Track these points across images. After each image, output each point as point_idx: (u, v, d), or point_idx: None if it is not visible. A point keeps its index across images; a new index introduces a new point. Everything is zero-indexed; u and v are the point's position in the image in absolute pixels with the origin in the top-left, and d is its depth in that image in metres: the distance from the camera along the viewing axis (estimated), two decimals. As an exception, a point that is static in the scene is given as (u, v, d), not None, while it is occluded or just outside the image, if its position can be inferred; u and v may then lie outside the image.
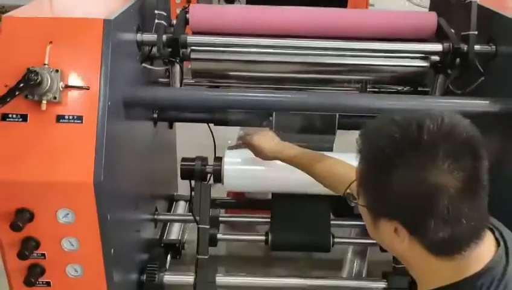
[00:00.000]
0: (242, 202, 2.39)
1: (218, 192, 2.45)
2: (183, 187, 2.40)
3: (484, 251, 0.85)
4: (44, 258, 1.29)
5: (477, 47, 1.51)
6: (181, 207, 2.32)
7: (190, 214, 2.04)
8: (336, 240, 1.82)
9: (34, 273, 1.29)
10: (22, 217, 1.20)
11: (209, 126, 1.89)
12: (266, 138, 1.57)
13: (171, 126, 2.16)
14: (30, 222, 1.22)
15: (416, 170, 0.78)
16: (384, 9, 2.75)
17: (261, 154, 1.57)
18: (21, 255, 1.24)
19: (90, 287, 1.35)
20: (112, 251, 1.31)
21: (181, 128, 2.46)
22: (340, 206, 2.06)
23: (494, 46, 1.51)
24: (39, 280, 1.31)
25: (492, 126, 1.48)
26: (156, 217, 1.94)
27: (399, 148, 0.80)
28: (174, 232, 2.15)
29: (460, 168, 0.77)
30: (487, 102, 1.43)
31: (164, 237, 2.10)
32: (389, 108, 1.41)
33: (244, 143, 1.62)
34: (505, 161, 1.44)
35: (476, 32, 1.50)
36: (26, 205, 1.22)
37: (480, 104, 1.44)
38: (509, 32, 1.44)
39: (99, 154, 1.19)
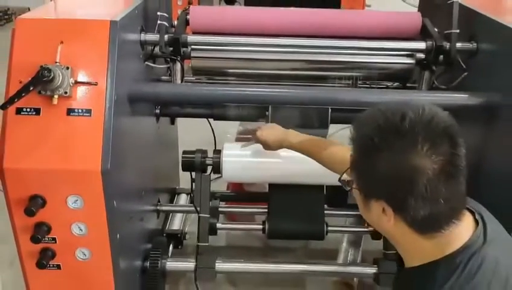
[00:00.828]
0: (241, 195, 2.49)
1: (218, 186, 2.57)
2: (185, 182, 2.50)
3: (463, 231, 0.93)
4: (55, 242, 1.39)
5: (459, 45, 1.60)
6: (182, 199, 2.42)
7: (191, 205, 2.14)
8: (330, 228, 1.91)
9: (46, 256, 1.39)
10: (35, 203, 1.30)
11: (208, 121, 1.99)
12: (269, 130, 1.64)
13: (172, 122, 2.26)
14: (42, 207, 1.32)
15: (398, 153, 0.87)
16: (376, 10, 2.85)
17: (267, 146, 1.64)
18: (34, 239, 1.33)
19: (98, 270, 1.45)
20: (118, 236, 1.40)
21: (182, 125, 2.56)
22: (334, 196, 2.17)
23: (475, 44, 1.60)
24: (50, 262, 1.41)
25: (474, 118, 1.58)
26: (158, 207, 2.04)
27: (383, 134, 0.89)
28: (176, 224, 2.25)
29: (439, 153, 0.85)
30: (467, 96, 1.53)
31: (166, 228, 2.20)
32: (376, 101, 1.49)
33: (253, 139, 1.69)
34: (485, 150, 1.54)
35: (458, 31, 1.59)
36: (38, 191, 1.31)
37: (461, 98, 1.54)
38: (489, 31, 1.54)
39: (107, 145, 1.29)
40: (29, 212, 1.29)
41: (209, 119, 1.97)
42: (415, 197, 0.86)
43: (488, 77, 1.52)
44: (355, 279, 2.20)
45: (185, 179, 2.53)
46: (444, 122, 0.89)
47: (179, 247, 2.14)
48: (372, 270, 1.83)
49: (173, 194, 2.46)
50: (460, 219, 0.92)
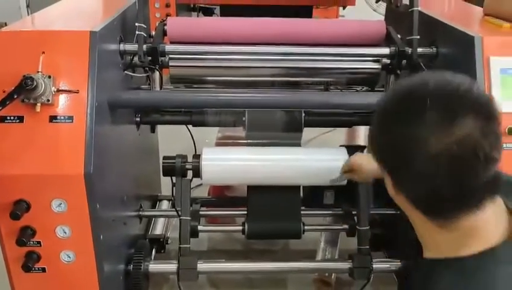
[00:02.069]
0: (221, 200, 2.55)
1: (200, 193, 2.64)
2: (167, 189, 2.56)
3: (490, 230, 0.82)
4: (40, 245, 1.44)
5: (420, 50, 1.72)
6: (164, 205, 2.47)
7: (172, 210, 2.20)
8: (307, 227, 1.99)
9: (31, 259, 1.43)
10: (19, 207, 1.35)
11: (188, 128, 2.06)
12: (366, 158, 1.62)
13: (153, 130, 2.32)
14: (27, 211, 1.37)
15: (405, 121, 0.80)
16: (346, 19, 2.98)
17: (360, 173, 1.63)
18: (20, 242, 1.38)
19: (82, 272, 1.49)
20: (102, 237, 1.46)
21: (163, 134, 2.62)
22: (310, 197, 2.26)
23: (435, 48, 1.72)
24: (35, 266, 1.45)
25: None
26: (140, 213, 2.09)
27: (396, 102, 0.84)
28: (158, 229, 2.30)
29: (449, 130, 0.75)
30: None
31: (149, 233, 2.25)
32: (345, 103, 1.60)
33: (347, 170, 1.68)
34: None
35: (418, 37, 1.71)
36: (23, 196, 1.37)
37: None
38: (447, 36, 1.66)
39: (89, 149, 1.36)
40: (15, 216, 1.33)
41: (189, 126, 2.05)
42: (410, 171, 0.80)
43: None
44: (333, 277, 2.29)
45: (166, 187, 2.60)
46: (475, 97, 0.78)
47: (162, 251, 2.19)
48: (347, 265, 1.91)
49: (155, 201, 2.51)
50: (473, 211, 0.81)
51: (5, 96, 1.29)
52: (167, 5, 4.24)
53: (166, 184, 2.60)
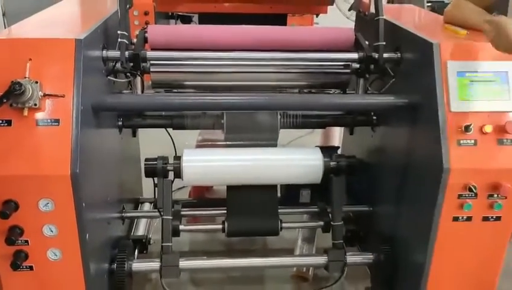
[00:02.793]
0: (202, 201, 2.64)
1: (181, 195, 2.72)
2: (147, 193, 2.63)
3: None
4: (28, 244, 1.50)
5: (386, 55, 1.84)
6: (146, 207, 2.54)
7: (154, 211, 2.28)
8: (284, 225, 2.10)
9: (19, 258, 1.49)
10: (8, 207, 1.42)
11: (168, 132, 2.15)
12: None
13: (134, 134, 2.39)
14: (15, 211, 1.43)
15: None
16: (318, 27, 3.12)
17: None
18: (9, 241, 1.44)
19: (69, 270, 1.56)
20: (87, 236, 1.53)
21: (143, 139, 2.69)
22: (288, 196, 2.37)
23: (399, 54, 1.85)
24: (23, 264, 1.51)
25: (402, 118, 1.82)
26: (123, 214, 2.15)
27: None
28: (141, 230, 2.36)
29: None
30: (393, 98, 1.77)
31: (132, 234, 2.31)
32: (318, 103, 1.72)
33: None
34: (411, 144, 1.77)
35: (384, 43, 1.83)
36: (11, 196, 1.43)
37: (388, 100, 1.79)
38: (409, 42, 1.79)
39: (75, 151, 1.43)
40: (4, 215, 1.40)
41: (169, 130, 2.13)
42: None
43: (411, 82, 1.77)
44: (310, 272, 2.39)
45: (147, 191, 2.66)
46: None
47: (144, 252, 2.26)
48: (323, 259, 2.01)
49: (137, 203, 2.57)
50: None
51: (-7, 102, 1.35)
52: (146, 13, 4.31)
53: (147, 187, 2.68)
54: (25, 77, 1.41)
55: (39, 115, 1.43)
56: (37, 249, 1.51)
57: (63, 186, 1.43)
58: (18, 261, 1.48)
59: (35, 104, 1.41)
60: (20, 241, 1.48)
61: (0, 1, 7.38)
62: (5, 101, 1.35)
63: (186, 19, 4.89)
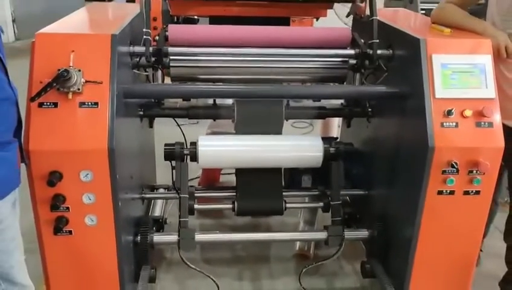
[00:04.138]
0: (211, 188, 2.87)
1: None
2: (160, 180, 2.87)
3: None
4: (68, 211, 1.72)
5: (379, 51, 2.08)
6: (161, 191, 2.76)
7: (170, 192, 2.51)
8: (288, 205, 2.33)
9: (61, 222, 1.71)
10: (54, 176, 1.64)
11: (179, 126, 2.39)
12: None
13: (151, 125, 2.62)
14: (60, 181, 1.66)
15: None
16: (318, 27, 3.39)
17: None
18: (54, 207, 1.67)
19: (103, 235, 1.78)
20: (120, 204, 1.75)
21: (157, 133, 2.92)
22: (291, 181, 2.60)
23: (391, 50, 2.09)
24: (63, 229, 1.73)
25: (393, 107, 2.06)
26: (143, 195, 2.38)
27: None
28: (157, 211, 2.59)
29: None
30: (385, 88, 2.03)
31: (149, 215, 2.54)
32: (318, 94, 1.96)
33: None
34: (401, 130, 2.01)
35: (378, 41, 2.08)
36: (57, 168, 1.65)
37: (380, 89, 2.05)
38: (400, 40, 2.03)
39: (111, 129, 1.66)
40: (51, 183, 1.62)
41: (180, 125, 2.36)
42: None
43: (401, 74, 2.01)
44: (311, 251, 2.61)
45: (160, 179, 2.90)
46: None
47: (161, 231, 2.48)
48: (323, 235, 2.24)
49: (152, 188, 2.79)
50: None
51: (45, 85, 1.59)
52: (154, 19, 4.57)
53: (160, 175, 2.91)
54: (69, 66, 1.64)
55: (81, 98, 1.66)
56: (76, 215, 1.73)
57: (101, 159, 1.66)
58: (60, 225, 1.70)
59: (79, 89, 1.64)
60: (62, 208, 1.71)
61: (10, 8, 7.67)
62: (54, 85, 1.58)
63: (191, 23, 5.15)
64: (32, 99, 1.59)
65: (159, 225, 2.47)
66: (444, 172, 1.82)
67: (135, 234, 2.11)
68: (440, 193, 1.86)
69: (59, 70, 1.61)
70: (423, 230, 1.91)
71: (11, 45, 7.33)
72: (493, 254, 2.51)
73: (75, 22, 2.01)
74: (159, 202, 2.67)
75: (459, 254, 2.00)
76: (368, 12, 2.21)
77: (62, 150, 1.65)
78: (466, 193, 1.87)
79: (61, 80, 1.60)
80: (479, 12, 2.20)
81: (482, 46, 1.87)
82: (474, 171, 1.83)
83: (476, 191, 1.87)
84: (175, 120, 2.41)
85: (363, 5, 2.41)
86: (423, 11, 5.14)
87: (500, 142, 1.80)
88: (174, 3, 2.61)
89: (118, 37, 1.76)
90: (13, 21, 7.77)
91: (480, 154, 1.81)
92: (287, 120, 2.30)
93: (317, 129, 3.64)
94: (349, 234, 2.24)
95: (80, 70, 1.65)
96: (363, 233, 2.27)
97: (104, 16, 2.37)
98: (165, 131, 2.62)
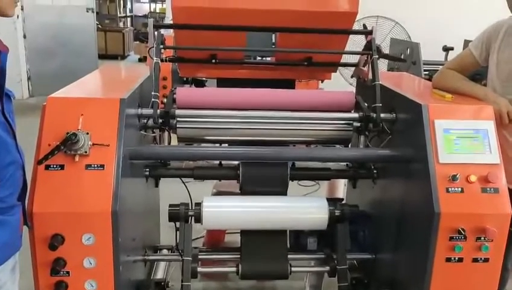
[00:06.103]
0: (216, 249, 2.82)
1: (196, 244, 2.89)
2: (164, 241, 2.83)
3: None
4: (69, 275, 1.69)
5: (383, 115, 2.12)
6: (165, 253, 2.72)
7: (173, 254, 2.47)
8: (293, 269, 2.28)
9: (60, 288, 1.68)
10: (56, 240, 1.63)
11: (185, 184, 2.39)
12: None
13: (157, 185, 2.63)
14: (62, 244, 1.65)
15: None
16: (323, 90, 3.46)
17: None
18: (54, 272, 1.64)
19: (102, 300, 1.74)
20: (121, 268, 1.72)
21: (162, 193, 2.91)
22: (296, 244, 2.55)
23: (394, 114, 2.12)
24: (62, 295, 1.70)
25: (398, 169, 2.06)
26: (145, 257, 2.34)
27: None
28: (159, 274, 2.54)
29: None
30: (389, 151, 2.03)
31: (151, 277, 2.48)
32: (323, 157, 1.97)
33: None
34: (406, 193, 2.00)
35: (381, 105, 2.11)
36: (59, 230, 1.65)
37: (384, 153, 2.05)
38: (402, 104, 2.07)
39: (116, 191, 1.66)
40: (52, 247, 1.61)
41: (186, 184, 2.37)
42: None
43: (404, 138, 2.03)
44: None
45: (163, 240, 2.86)
46: None
47: (163, 294, 2.42)
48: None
49: (155, 249, 2.75)
50: None
51: (53, 148, 1.62)
52: (164, 78, 4.73)
53: (163, 236, 2.88)
54: (78, 129, 1.68)
55: (88, 161, 1.68)
56: (76, 281, 1.69)
57: (104, 221, 1.65)
58: (60, 290, 1.67)
59: (86, 152, 1.67)
60: (62, 272, 1.68)
61: (25, 66, 7.97)
62: (62, 148, 1.61)
63: (199, 84, 5.29)
64: (39, 162, 1.61)
65: (161, 288, 2.41)
66: (451, 238, 1.78)
67: (136, 299, 2.06)
68: (448, 260, 1.81)
69: (67, 133, 1.64)
70: (432, 298, 1.85)
71: (25, 101, 7.55)
72: (507, 323, 2.40)
73: (86, 84, 2.07)
74: (162, 264, 2.62)
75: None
76: (370, 76, 2.27)
77: (66, 212, 1.65)
78: (475, 260, 1.82)
79: (68, 143, 1.63)
80: (481, 74, 2.25)
81: (484, 112, 1.90)
82: (482, 238, 1.79)
83: (484, 258, 1.82)
84: (181, 179, 2.41)
85: (365, 69, 2.47)
86: (426, 72, 5.27)
87: (507, 209, 1.78)
88: (183, 66, 2.70)
89: (127, 100, 1.81)
90: (28, 78, 8.05)
91: (488, 220, 1.78)
92: (292, 181, 2.31)
93: (324, 188, 3.63)
94: (356, 301, 2.17)
95: (87, 134, 1.69)
96: (371, 300, 2.20)
97: (115, 78, 2.46)
98: (171, 188, 2.61)
